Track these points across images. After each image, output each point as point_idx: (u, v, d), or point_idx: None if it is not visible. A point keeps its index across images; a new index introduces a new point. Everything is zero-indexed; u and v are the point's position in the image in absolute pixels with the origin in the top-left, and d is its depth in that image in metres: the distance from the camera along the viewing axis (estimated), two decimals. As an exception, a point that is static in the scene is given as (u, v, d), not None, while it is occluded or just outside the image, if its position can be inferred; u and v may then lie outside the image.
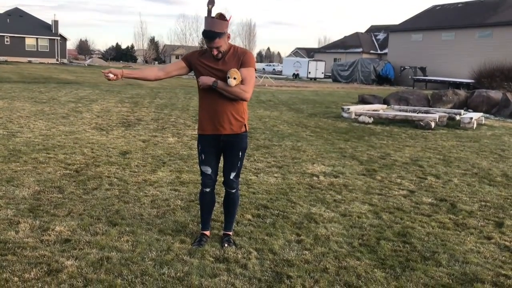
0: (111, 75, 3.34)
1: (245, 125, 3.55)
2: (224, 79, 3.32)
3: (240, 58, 3.39)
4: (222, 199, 3.87)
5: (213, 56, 3.37)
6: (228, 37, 3.36)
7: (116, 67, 39.04)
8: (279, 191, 5.26)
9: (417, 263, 3.51)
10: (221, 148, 3.57)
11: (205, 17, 3.29)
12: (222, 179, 3.69)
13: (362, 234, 4.06)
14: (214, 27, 3.24)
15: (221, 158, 3.67)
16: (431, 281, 3.24)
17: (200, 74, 3.43)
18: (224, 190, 3.75)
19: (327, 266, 3.39)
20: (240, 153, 3.58)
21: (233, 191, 3.68)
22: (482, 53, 33.83)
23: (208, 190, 3.66)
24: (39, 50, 55.88)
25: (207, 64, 3.40)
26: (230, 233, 3.81)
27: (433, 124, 11.29)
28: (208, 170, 3.60)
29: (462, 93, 17.71)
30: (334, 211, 4.65)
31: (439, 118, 11.81)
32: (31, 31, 55.52)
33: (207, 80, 3.34)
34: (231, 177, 3.63)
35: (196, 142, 3.64)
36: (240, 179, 3.83)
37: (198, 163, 3.70)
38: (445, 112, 13.29)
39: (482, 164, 7.28)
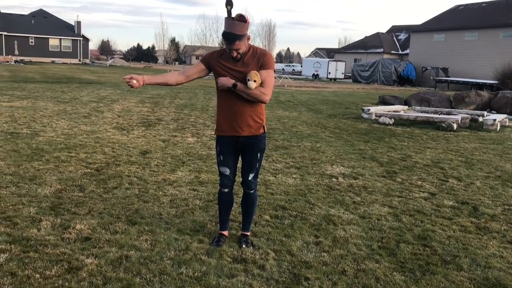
0: (134, 81, 3.34)
1: (263, 127, 3.54)
2: (244, 80, 3.31)
3: (260, 59, 3.37)
4: (240, 199, 3.86)
5: (232, 57, 3.37)
6: (248, 39, 3.35)
7: (137, 68, 39.28)
8: (298, 192, 5.24)
9: (438, 267, 3.45)
10: (240, 149, 3.57)
11: (225, 18, 3.28)
12: (241, 179, 3.70)
13: (381, 236, 4.02)
14: (234, 29, 3.21)
15: (240, 159, 3.67)
16: (451, 286, 3.18)
17: (218, 75, 3.43)
18: (242, 191, 3.75)
19: (346, 268, 3.36)
20: (259, 155, 3.57)
21: (252, 191, 3.68)
22: (506, 54, 33.21)
23: (226, 190, 3.67)
24: (62, 50, 56.89)
25: (226, 65, 3.39)
26: (248, 233, 3.81)
27: (455, 126, 11.11)
28: (227, 171, 3.61)
29: (485, 94, 17.38)
30: (353, 213, 4.61)
31: (461, 120, 11.62)
32: (55, 32, 56.57)
33: (227, 81, 3.33)
34: (250, 178, 3.62)
35: (215, 142, 3.64)
36: (258, 179, 3.82)
37: (217, 164, 3.71)
38: (467, 114, 13.07)
39: (505, 167, 7.13)
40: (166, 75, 3.66)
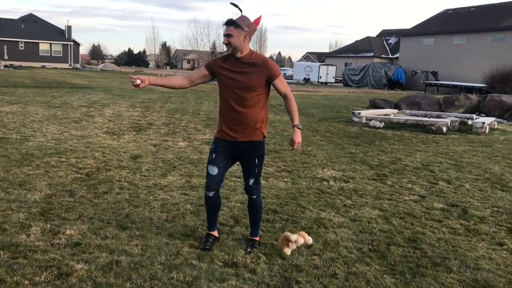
0: (138, 81, 3.36)
1: (262, 133, 3.56)
2: (245, 82, 3.40)
3: (265, 70, 3.42)
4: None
5: (234, 59, 3.43)
6: (245, 38, 3.39)
7: (127, 73, 39.13)
8: (289, 196, 5.25)
9: (428, 269, 3.47)
10: (237, 154, 3.58)
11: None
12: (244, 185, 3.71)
13: (372, 239, 4.04)
14: (235, 18, 3.37)
15: (238, 165, 3.67)
16: (441, 288, 3.21)
17: (220, 80, 3.50)
18: (247, 197, 3.75)
19: (336, 271, 3.37)
20: (257, 160, 3.56)
21: (254, 197, 3.68)
22: (494, 57, 33.53)
23: (211, 194, 3.61)
24: (52, 55, 56.60)
25: (229, 68, 3.45)
26: (257, 238, 3.82)
27: (444, 129, 11.20)
28: (214, 171, 3.55)
29: (474, 97, 17.55)
30: (344, 216, 4.63)
31: (450, 123, 11.72)
32: (45, 37, 56.27)
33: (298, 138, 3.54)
34: (250, 184, 3.62)
35: (208, 146, 3.68)
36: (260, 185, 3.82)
37: (207, 163, 3.68)
38: (456, 117, 13.19)
39: (494, 169, 7.20)
40: (171, 78, 3.74)
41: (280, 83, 3.51)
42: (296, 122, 3.53)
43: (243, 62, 3.42)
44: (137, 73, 46.56)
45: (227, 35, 3.37)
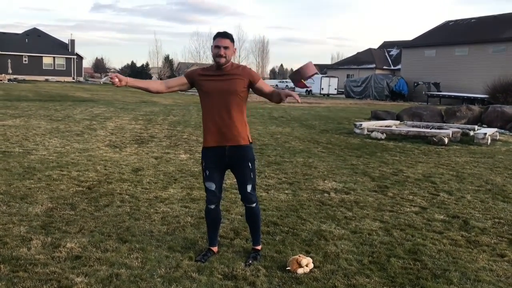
0: (116, 80, 3.43)
1: (248, 137, 3.61)
2: (229, 86, 3.50)
3: (246, 75, 3.56)
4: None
5: (216, 66, 3.54)
6: (233, 53, 3.56)
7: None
8: (289, 208, 5.26)
9: (428, 281, 3.46)
10: (227, 163, 3.61)
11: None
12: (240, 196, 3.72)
13: (372, 251, 4.03)
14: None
15: (231, 175, 3.70)
16: (441, 300, 3.19)
17: (201, 88, 3.58)
18: (244, 207, 3.76)
19: (336, 284, 3.37)
20: (250, 164, 3.60)
21: (253, 205, 3.69)
22: (496, 68, 33.61)
23: (212, 207, 3.69)
24: (56, 68, 57.03)
25: (210, 74, 3.57)
26: (259, 247, 3.84)
27: (446, 140, 11.19)
28: (212, 186, 3.64)
29: (476, 108, 17.55)
30: (344, 228, 4.63)
31: (452, 134, 11.72)
32: (49, 51, 56.76)
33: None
34: (248, 191, 3.63)
35: (201, 158, 3.71)
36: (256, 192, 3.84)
37: (203, 180, 3.74)
38: (458, 128, 13.18)
39: (496, 180, 7.19)
40: (149, 81, 3.81)
41: (263, 84, 3.64)
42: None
43: (225, 71, 3.55)
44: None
45: (224, 47, 3.46)
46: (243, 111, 3.61)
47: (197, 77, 3.62)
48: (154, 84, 3.73)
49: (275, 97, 3.53)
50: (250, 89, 3.63)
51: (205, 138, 3.61)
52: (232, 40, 3.54)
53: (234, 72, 3.54)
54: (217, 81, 3.52)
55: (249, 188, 3.63)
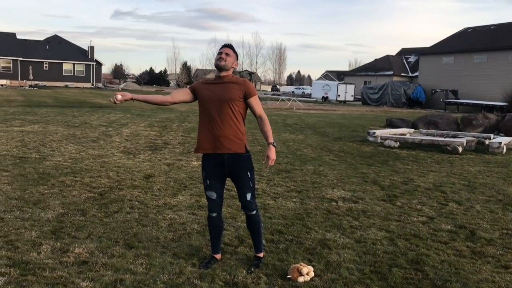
0: (119, 97, 3.55)
1: (245, 146, 3.69)
2: (225, 93, 3.61)
3: (243, 88, 3.65)
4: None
5: (216, 74, 3.72)
6: (233, 64, 3.71)
7: (149, 92, 39.60)
8: (296, 216, 5.30)
9: (428, 292, 3.47)
10: (226, 172, 3.69)
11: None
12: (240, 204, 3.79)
13: (374, 261, 4.05)
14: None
15: (232, 184, 3.77)
16: (440, 311, 3.20)
17: (200, 95, 3.71)
18: (245, 215, 3.83)
19: (336, 292, 3.40)
20: (248, 173, 3.68)
21: (253, 212, 3.76)
22: (516, 76, 33.13)
23: (214, 215, 3.77)
24: (75, 75, 58.12)
25: (209, 83, 3.72)
26: (261, 254, 3.90)
27: (460, 149, 11.10)
28: (213, 195, 3.73)
29: (493, 116, 17.34)
30: (349, 237, 4.66)
31: (467, 143, 11.62)
32: (69, 57, 57.91)
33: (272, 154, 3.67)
34: (248, 199, 3.70)
35: (201, 168, 3.83)
36: (258, 203, 3.91)
37: (204, 189, 3.83)
38: (473, 137, 13.05)
39: (508, 191, 7.12)
40: (155, 95, 3.95)
41: (256, 103, 3.71)
42: (271, 140, 3.68)
43: (224, 80, 3.68)
44: (158, 92, 47.22)
45: (226, 53, 3.65)
46: (240, 120, 3.67)
47: (199, 86, 3.75)
48: (159, 97, 3.87)
49: (260, 126, 3.73)
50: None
51: (200, 145, 3.70)
52: (234, 51, 3.72)
53: (232, 81, 3.67)
54: (214, 88, 3.65)
55: (248, 196, 3.70)
